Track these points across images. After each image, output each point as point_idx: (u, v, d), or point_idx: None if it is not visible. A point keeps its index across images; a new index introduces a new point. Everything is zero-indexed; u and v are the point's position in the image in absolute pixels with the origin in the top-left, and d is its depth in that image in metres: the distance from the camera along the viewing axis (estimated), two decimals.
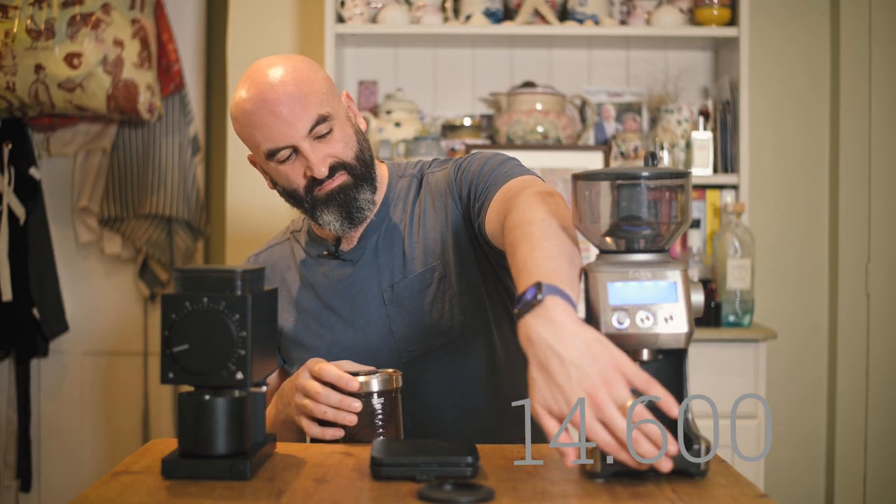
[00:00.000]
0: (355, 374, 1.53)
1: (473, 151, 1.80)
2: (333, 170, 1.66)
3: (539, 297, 1.19)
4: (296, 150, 1.64)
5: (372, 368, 1.58)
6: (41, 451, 3.41)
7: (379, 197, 1.75)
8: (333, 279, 1.77)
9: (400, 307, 1.72)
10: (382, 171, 1.80)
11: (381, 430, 1.53)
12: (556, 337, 1.16)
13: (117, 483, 1.25)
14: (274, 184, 1.72)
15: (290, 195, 1.70)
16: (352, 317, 1.75)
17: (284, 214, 3.28)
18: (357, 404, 1.50)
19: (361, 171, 1.69)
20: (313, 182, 1.66)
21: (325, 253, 1.78)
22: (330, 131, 1.65)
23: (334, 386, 1.51)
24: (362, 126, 1.74)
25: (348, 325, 1.75)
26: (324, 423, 1.53)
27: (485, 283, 1.73)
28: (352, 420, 1.50)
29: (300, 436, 1.72)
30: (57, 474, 3.41)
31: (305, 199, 1.68)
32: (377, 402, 1.52)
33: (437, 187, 1.76)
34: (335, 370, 1.51)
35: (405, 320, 1.72)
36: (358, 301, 1.74)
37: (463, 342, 1.70)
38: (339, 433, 1.52)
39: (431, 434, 1.70)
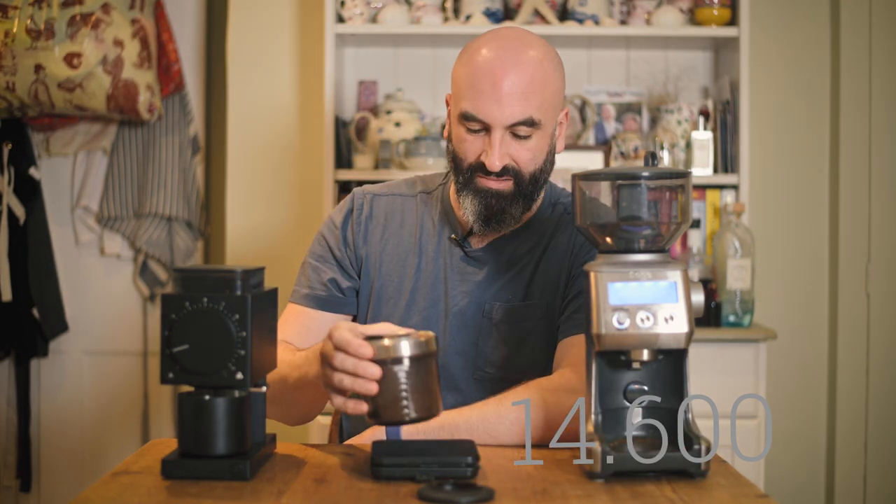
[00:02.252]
0: (378, 338, 1.30)
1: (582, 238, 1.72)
2: (505, 171, 1.62)
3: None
4: (487, 130, 1.60)
5: (410, 331, 1.33)
6: (41, 451, 3.41)
7: (526, 216, 1.71)
8: (447, 265, 1.71)
9: (496, 327, 1.67)
10: (541, 194, 1.74)
11: (405, 403, 1.28)
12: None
13: (117, 483, 1.25)
14: (449, 136, 1.68)
15: (454, 159, 1.66)
16: (444, 311, 1.68)
17: (285, 215, 3.28)
18: (374, 370, 1.27)
19: (528, 188, 1.64)
20: (480, 166, 1.62)
21: (452, 236, 1.72)
22: (528, 137, 1.61)
23: None
24: (559, 148, 1.70)
25: (437, 316, 1.68)
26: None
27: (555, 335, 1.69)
28: (371, 389, 1.28)
29: (306, 402, 1.62)
30: (57, 474, 3.40)
31: (465, 172, 1.64)
32: (401, 370, 1.28)
33: (569, 231, 1.72)
34: (344, 333, 1.31)
35: (495, 341, 1.67)
36: (459, 299, 1.68)
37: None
38: (362, 406, 1.30)
39: None
